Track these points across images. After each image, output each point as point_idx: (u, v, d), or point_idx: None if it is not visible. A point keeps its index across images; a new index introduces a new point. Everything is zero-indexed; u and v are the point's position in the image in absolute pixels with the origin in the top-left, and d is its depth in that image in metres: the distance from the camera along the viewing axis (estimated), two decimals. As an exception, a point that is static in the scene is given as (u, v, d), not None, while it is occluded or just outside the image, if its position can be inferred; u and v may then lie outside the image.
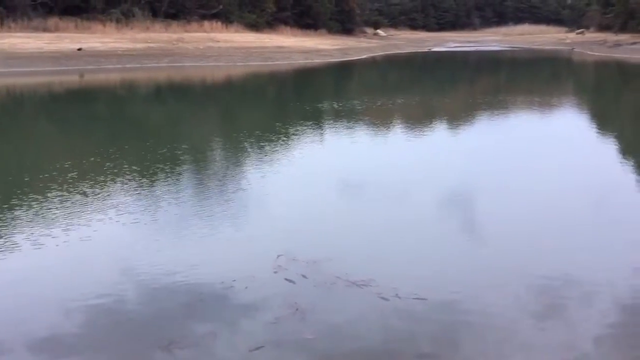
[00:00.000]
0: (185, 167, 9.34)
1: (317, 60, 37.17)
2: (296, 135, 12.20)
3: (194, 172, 9.06)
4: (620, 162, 10.12)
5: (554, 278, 5.12)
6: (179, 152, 10.32)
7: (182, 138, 12.10)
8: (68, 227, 6.30)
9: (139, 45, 34.00)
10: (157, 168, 9.06)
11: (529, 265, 5.38)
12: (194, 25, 42.94)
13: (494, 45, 65.93)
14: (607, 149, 11.24)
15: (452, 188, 8.07)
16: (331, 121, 14.33)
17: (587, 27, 76.12)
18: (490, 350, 4.06)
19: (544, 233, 6.30)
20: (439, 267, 5.37)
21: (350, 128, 13.23)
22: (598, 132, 13.41)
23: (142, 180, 8.35)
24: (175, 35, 38.41)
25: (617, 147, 11.56)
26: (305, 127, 13.22)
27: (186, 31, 40.89)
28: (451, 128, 13.85)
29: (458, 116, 15.51)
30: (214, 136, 12.80)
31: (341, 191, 8.10)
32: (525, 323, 4.41)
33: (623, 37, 54.56)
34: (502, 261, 5.54)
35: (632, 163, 9.99)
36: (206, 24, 43.68)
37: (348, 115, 15.04)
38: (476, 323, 4.39)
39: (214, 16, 45.32)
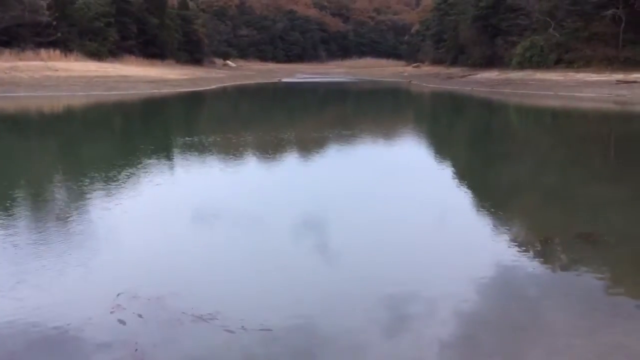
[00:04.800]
0: (19, 206, 8.52)
1: (165, 90, 36.33)
2: (141, 169, 11.72)
3: (29, 211, 8.27)
4: (456, 184, 10.85)
5: (400, 294, 5.30)
6: (11, 190, 9.46)
7: (14, 174, 11.13)
8: None
9: (-35, 75, 31.15)
10: (-18, 206, 8.20)
11: (376, 286, 5.52)
12: (29, 53, 40.17)
13: (340, 77, 68.85)
14: (444, 173, 12.06)
15: (301, 218, 8.12)
16: (177, 155, 13.98)
17: (422, 61, 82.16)
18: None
19: (388, 255, 6.53)
20: (286, 295, 5.33)
21: (199, 161, 12.96)
22: (437, 158, 14.38)
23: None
24: (7, 64, 35.63)
25: (453, 170, 12.45)
26: (149, 161, 12.74)
27: (20, 60, 38.12)
28: (302, 160, 14.02)
29: (310, 148, 15.79)
30: (50, 173, 11.90)
31: (189, 224, 7.85)
32: (375, 338, 4.51)
33: (454, 70, 59.59)
34: (350, 284, 5.62)
35: (466, 184, 10.76)
36: (43, 52, 41.07)
37: (196, 149, 14.75)
38: (323, 346, 4.40)
39: (52, 44, 42.77)
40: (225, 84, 47.81)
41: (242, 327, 4.59)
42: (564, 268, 6.13)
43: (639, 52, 40.93)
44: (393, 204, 8.93)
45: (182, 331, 4.55)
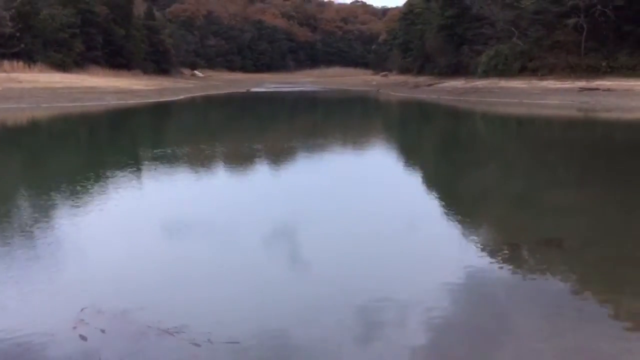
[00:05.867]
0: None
1: (132, 101, 35.94)
2: (107, 183, 11.54)
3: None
4: (424, 192, 10.94)
5: (368, 303, 5.28)
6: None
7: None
8: None
9: None
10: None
11: (346, 296, 5.48)
12: (-8, 65, 39.52)
13: (309, 86, 69.01)
14: (412, 181, 12.17)
15: (269, 230, 8.05)
16: (144, 167, 13.80)
17: (390, 70, 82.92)
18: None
19: (358, 264, 6.51)
20: (254, 308, 5.26)
21: (166, 174, 12.77)
22: (406, 167, 14.48)
23: None
24: (-32, 76, 34.94)
25: (421, 178, 12.56)
26: (115, 174, 12.53)
27: (-18, 71, 37.45)
28: (273, 171, 13.92)
29: (280, 158, 15.74)
30: (13, 187, 11.63)
31: (156, 237, 7.72)
32: (345, 348, 4.48)
33: (421, 79, 60.27)
34: (318, 295, 5.59)
35: (434, 192, 10.85)
36: (6, 63, 40.39)
37: (163, 161, 14.58)
38: (291, 357, 4.35)
39: (15, 55, 42.07)
40: (193, 95, 47.51)
41: (209, 340, 4.53)
42: (530, 273, 6.20)
43: (601, 59, 41.97)
44: (361, 213, 8.93)
45: (147, 345, 4.47)
